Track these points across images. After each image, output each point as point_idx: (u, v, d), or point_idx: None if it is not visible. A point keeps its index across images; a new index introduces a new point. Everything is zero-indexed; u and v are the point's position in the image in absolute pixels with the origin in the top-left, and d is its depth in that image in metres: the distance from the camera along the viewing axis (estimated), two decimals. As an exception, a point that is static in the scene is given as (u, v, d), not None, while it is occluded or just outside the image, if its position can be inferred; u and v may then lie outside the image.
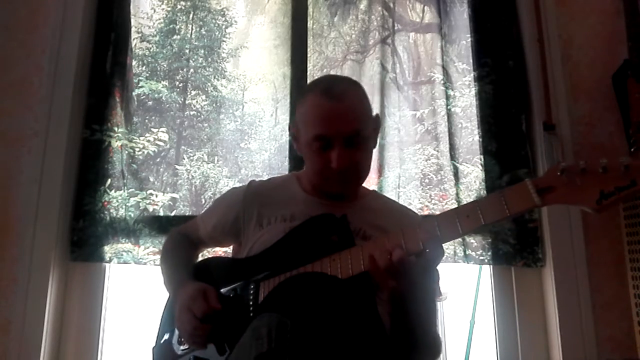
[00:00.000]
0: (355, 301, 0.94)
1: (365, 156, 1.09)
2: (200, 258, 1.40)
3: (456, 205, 1.59)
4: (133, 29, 1.82)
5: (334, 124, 1.01)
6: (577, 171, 0.82)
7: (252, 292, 1.01)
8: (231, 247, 1.35)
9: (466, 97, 1.72)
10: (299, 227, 1.05)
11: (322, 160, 1.04)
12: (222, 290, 1.06)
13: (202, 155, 1.75)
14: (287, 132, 1.73)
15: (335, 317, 0.90)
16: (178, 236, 1.30)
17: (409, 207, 1.42)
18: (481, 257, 1.58)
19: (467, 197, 1.63)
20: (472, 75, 1.72)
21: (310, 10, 1.83)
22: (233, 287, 1.06)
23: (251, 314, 0.97)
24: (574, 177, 0.82)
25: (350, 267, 0.92)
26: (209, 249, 1.48)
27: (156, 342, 1.15)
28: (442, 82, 1.72)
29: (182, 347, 1.05)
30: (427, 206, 1.64)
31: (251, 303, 0.99)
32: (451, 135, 1.68)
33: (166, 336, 1.13)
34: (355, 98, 1.07)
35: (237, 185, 1.69)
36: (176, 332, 1.09)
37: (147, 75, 1.82)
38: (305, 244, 1.02)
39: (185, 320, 0.98)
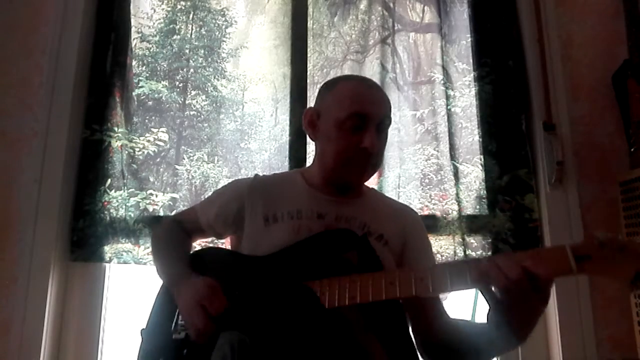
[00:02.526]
0: (334, 330, 0.93)
1: (384, 148, 1.16)
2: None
3: (456, 205, 1.60)
4: (133, 29, 1.82)
5: (373, 105, 1.09)
6: (616, 247, 0.85)
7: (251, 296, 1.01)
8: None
9: (466, 97, 1.72)
10: (314, 237, 1.06)
11: (350, 141, 1.07)
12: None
13: (202, 155, 1.75)
14: (287, 132, 1.73)
15: (307, 342, 0.90)
16: (173, 224, 1.28)
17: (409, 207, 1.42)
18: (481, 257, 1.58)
19: (467, 197, 1.63)
20: (472, 75, 1.72)
21: (310, 10, 1.83)
22: (235, 287, 1.04)
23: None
24: (614, 252, 0.85)
25: (370, 293, 0.92)
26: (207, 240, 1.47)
27: (147, 324, 1.12)
28: (442, 82, 1.72)
29: (176, 336, 1.04)
30: (427, 206, 1.64)
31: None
32: (451, 135, 1.68)
33: (160, 321, 1.10)
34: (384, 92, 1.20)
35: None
36: (174, 318, 1.06)
37: (147, 75, 1.82)
38: (319, 258, 1.02)
39: (195, 315, 0.96)
